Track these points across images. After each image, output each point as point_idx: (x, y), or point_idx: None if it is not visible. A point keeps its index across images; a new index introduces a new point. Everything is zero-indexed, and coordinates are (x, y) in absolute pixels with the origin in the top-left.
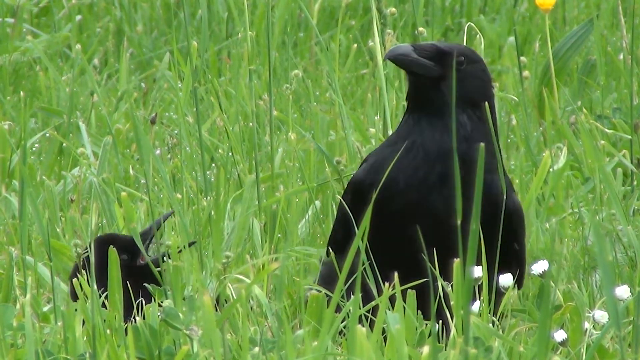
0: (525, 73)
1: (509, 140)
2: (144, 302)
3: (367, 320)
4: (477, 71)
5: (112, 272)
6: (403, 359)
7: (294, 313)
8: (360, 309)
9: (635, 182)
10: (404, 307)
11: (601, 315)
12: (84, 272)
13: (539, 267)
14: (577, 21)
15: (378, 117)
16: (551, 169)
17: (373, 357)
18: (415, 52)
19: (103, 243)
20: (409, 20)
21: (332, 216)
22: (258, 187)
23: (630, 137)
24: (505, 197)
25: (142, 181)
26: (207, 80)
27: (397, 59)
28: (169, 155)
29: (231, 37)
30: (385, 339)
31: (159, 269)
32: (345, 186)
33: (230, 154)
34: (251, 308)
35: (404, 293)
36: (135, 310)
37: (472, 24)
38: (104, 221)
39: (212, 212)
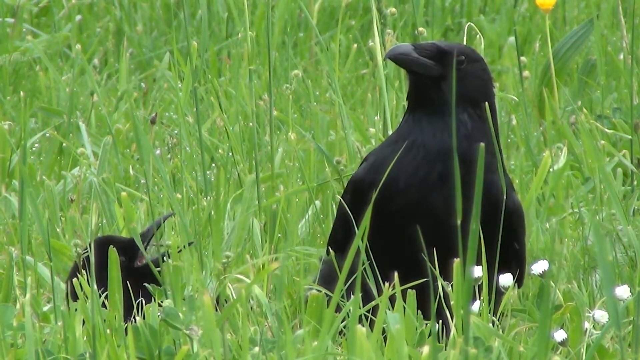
0: (525, 73)
1: (509, 140)
2: (144, 302)
3: (367, 320)
4: (477, 70)
5: (112, 272)
6: (403, 359)
7: (294, 313)
8: (360, 309)
9: (635, 182)
10: (404, 307)
11: (601, 315)
12: (82, 272)
13: (539, 267)
14: (577, 21)
15: (378, 117)
16: (551, 169)
17: (373, 357)
18: (415, 52)
19: (101, 244)
20: (409, 20)
21: (332, 216)
22: (258, 187)
23: (630, 137)
24: (505, 196)
25: (142, 181)
26: (207, 80)
27: (397, 58)
28: (169, 155)
29: (231, 37)
30: (385, 339)
31: (158, 269)
32: (345, 185)
33: (230, 154)
34: (251, 308)
35: (404, 293)
36: (135, 310)
37: (472, 24)
38: (104, 221)
39: (212, 212)
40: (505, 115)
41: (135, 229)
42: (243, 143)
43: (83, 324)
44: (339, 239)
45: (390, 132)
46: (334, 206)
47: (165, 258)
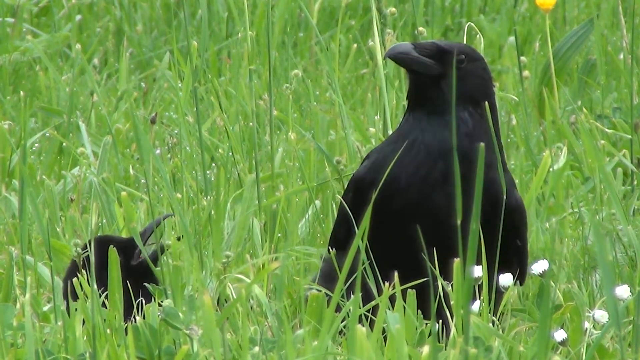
0: (525, 73)
1: (508, 140)
2: (144, 302)
3: (367, 320)
4: (477, 69)
5: (112, 272)
6: (403, 358)
7: (294, 313)
8: (360, 308)
9: (635, 182)
10: (404, 307)
11: (601, 315)
12: (81, 272)
13: (539, 267)
14: (577, 21)
15: (378, 116)
16: (551, 169)
17: (373, 357)
18: (415, 51)
19: (99, 244)
20: (409, 20)
21: (332, 216)
22: (258, 187)
23: (630, 136)
24: (506, 195)
25: (142, 181)
26: (207, 80)
27: (397, 57)
28: (169, 155)
29: (231, 37)
30: (385, 338)
31: (157, 264)
32: (346, 185)
33: (230, 153)
34: (251, 308)
35: (404, 293)
36: (135, 310)
37: (472, 24)
38: (104, 221)
39: (212, 212)
40: (505, 115)
41: (135, 228)
42: (243, 143)
43: (83, 324)
44: (340, 239)
45: (390, 132)
46: (334, 206)
47: (163, 250)
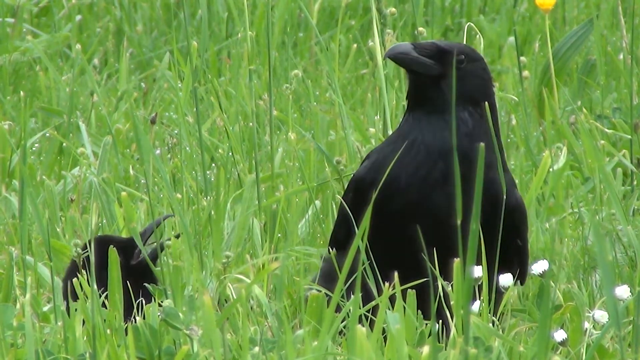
0: (525, 73)
1: (509, 140)
2: (144, 302)
3: (367, 320)
4: (477, 69)
5: (112, 272)
6: (403, 359)
7: (294, 313)
8: (360, 308)
9: (635, 182)
10: (404, 307)
11: (601, 315)
12: (78, 272)
13: (539, 267)
14: (577, 21)
15: (378, 117)
16: (551, 169)
17: (373, 357)
18: (415, 51)
19: (98, 244)
20: (408, 20)
21: (332, 216)
22: (258, 187)
23: (630, 137)
24: (506, 195)
25: (142, 181)
26: (207, 80)
27: (397, 58)
28: (169, 155)
29: (231, 37)
30: (385, 339)
31: (157, 263)
32: (346, 185)
33: (230, 153)
34: (251, 308)
35: (404, 293)
36: (135, 310)
37: (472, 24)
38: (104, 221)
39: (212, 212)
40: (505, 115)
41: (135, 228)
42: (243, 143)
43: (83, 324)
44: (340, 239)
45: (390, 132)
46: (334, 206)
47: (163, 248)
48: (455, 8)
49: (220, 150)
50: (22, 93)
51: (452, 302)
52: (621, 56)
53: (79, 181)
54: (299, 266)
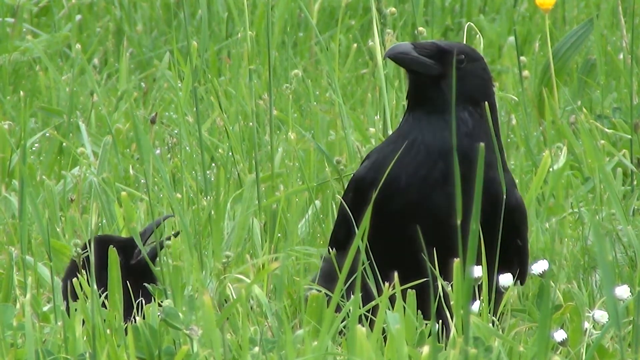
0: (525, 73)
1: (509, 140)
2: (144, 302)
3: (367, 320)
4: (477, 69)
5: (112, 272)
6: (403, 359)
7: (294, 313)
8: (360, 308)
9: (635, 182)
10: (404, 307)
11: (601, 315)
12: (77, 272)
13: (539, 267)
14: (577, 21)
15: (378, 117)
16: (551, 169)
17: (373, 357)
18: (415, 51)
19: (98, 244)
20: (408, 20)
21: (332, 216)
22: (258, 187)
23: (630, 136)
24: (505, 195)
25: (142, 181)
26: (207, 80)
27: (397, 57)
28: (169, 155)
29: (231, 37)
30: (385, 339)
31: (156, 261)
32: (346, 185)
33: (230, 153)
34: (251, 308)
35: (404, 293)
36: (135, 310)
37: (472, 24)
38: (104, 221)
39: (212, 212)
40: (505, 115)
41: (135, 228)
42: (243, 143)
43: (83, 324)
44: (340, 239)
45: (390, 132)
46: (334, 206)
47: (162, 246)
48: (455, 8)
49: (220, 150)
50: (22, 93)
51: (452, 302)
52: (621, 56)
53: (79, 181)
54: (299, 266)
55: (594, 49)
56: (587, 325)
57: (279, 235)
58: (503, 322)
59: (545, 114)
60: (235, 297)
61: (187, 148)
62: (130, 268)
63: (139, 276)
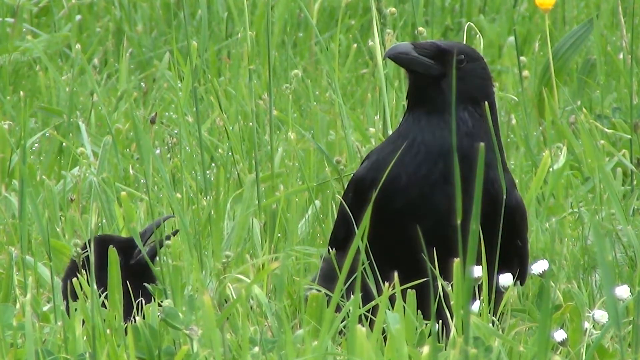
0: (525, 73)
1: (509, 140)
2: (143, 302)
3: (367, 320)
4: (477, 69)
5: (112, 272)
6: (403, 359)
7: (294, 313)
8: (360, 308)
9: (635, 182)
10: (404, 307)
11: (601, 315)
12: (77, 272)
13: (539, 267)
14: (577, 21)
15: (378, 117)
16: (551, 169)
17: (373, 357)
18: (415, 51)
19: (98, 243)
20: (408, 20)
21: (332, 216)
22: (258, 187)
23: (630, 136)
24: (506, 194)
25: (142, 181)
26: (207, 80)
27: (397, 57)
28: (168, 155)
29: (231, 37)
30: (385, 339)
31: (155, 259)
32: (346, 185)
33: (230, 153)
34: (251, 308)
35: (404, 293)
36: (135, 310)
37: (472, 24)
38: (104, 221)
39: (212, 212)
40: (505, 115)
41: (135, 228)
42: (243, 143)
43: (83, 324)
44: (340, 239)
45: (390, 132)
46: (334, 206)
47: (162, 244)
48: (455, 8)
49: (220, 150)
50: (22, 93)
51: (452, 302)
52: (621, 56)
53: (79, 181)
54: (299, 266)
55: (594, 49)
56: (587, 325)
57: (279, 235)
58: (503, 322)
59: (545, 114)
60: (235, 297)
61: (187, 148)
62: (130, 268)
63: (139, 276)
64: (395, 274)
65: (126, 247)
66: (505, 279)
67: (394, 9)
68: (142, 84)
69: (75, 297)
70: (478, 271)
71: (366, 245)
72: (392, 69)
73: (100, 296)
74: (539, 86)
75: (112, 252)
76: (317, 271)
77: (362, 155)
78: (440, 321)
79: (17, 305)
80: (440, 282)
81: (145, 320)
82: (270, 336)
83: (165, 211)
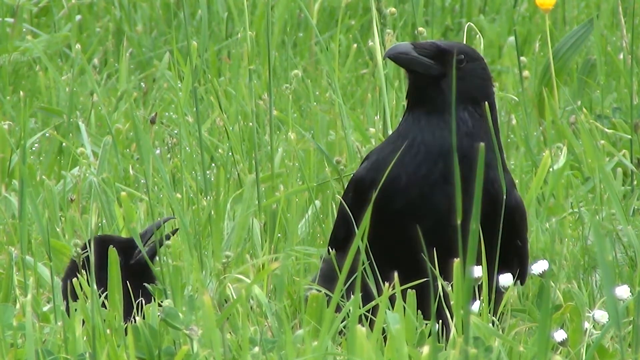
0: (525, 73)
1: (508, 140)
2: (143, 302)
3: (367, 320)
4: (477, 69)
5: (112, 272)
6: (403, 359)
7: (294, 313)
8: (360, 308)
9: (635, 182)
10: (404, 307)
11: (601, 315)
12: (77, 272)
13: (539, 267)
14: (577, 21)
15: (378, 117)
16: (551, 169)
17: (373, 357)
18: (415, 51)
19: (98, 244)
20: (408, 20)
21: (332, 216)
22: (258, 187)
23: (630, 136)
24: (506, 194)
25: (142, 181)
26: (207, 80)
27: (397, 57)
28: (169, 155)
29: (231, 37)
30: (385, 339)
31: (155, 259)
32: (346, 185)
33: (230, 153)
34: (251, 308)
35: (404, 293)
36: (135, 310)
37: (472, 24)
38: (104, 221)
39: (212, 212)
40: (505, 115)
41: (135, 229)
42: (243, 143)
43: (83, 324)
44: (340, 239)
45: (390, 132)
46: (334, 206)
47: (162, 243)
48: (455, 8)
49: (220, 150)
50: (22, 93)
51: (452, 302)
52: (621, 56)
53: (79, 181)
54: (299, 266)
55: (594, 49)
56: (587, 325)
57: (279, 235)
58: (503, 322)
59: (545, 114)
60: (235, 297)
61: (187, 148)
62: (130, 268)
63: (139, 276)
64: (395, 274)
65: (126, 247)
66: (505, 279)
67: (394, 9)
68: (142, 84)
69: (75, 297)
70: (478, 271)
71: (366, 246)
72: (392, 69)
73: (100, 296)
74: (539, 86)
75: (112, 252)
76: (317, 271)
77: (362, 155)
78: (440, 321)
79: (17, 305)
80: (440, 282)
81: (145, 320)
82: (270, 336)
83: (165, 211)
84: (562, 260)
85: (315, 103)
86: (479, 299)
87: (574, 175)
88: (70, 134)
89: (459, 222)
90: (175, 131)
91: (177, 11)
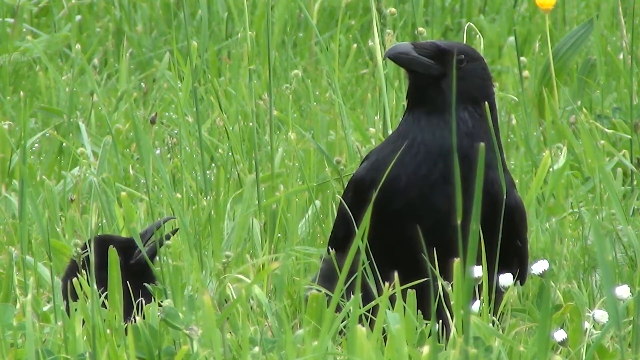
0: (525, 73)
1: (508, 140)
2: (144, 302)
3: (367, 320)
4: (477, 69)
5: (112, 272)
6: (403, 359)
7: (294, 313)
8: (360, 308)
9: (635, 182)
10: (404, 307)
11: (601, 315)
12: (77, 272)
13: (539, 267)
14: (577, 21)
15: (378, 117)
16: (551, 169)
17: (373, 357)
18: (415, 51)
19: (98, 243)
20: (408, 20)
21: (332, 216)
22: (258, 187)
23: (630, 136)
24: (506, 195)
25: (142, 181)
26: (207, 80)
27: (397, 57)
28: (169, 155)
29: (231, 37)
30: (385, 339)
31: (155, 258)
32: (346, 185)
33: (230, 153)
34: (251, 308)
35: (404, 293)
36: (135, 310)
37: (472, 24)
38: (104, 221)
39: (212, 212)
40: (505, 115)
41: (135, 229)
42: (243, 143)
43: (83, 324)
44: (340, 239)
45: (390, 132)
46: (334, 206)
47: (162, 243)
48: (455, 8)
49: (220, 150)
50: (22, 93)
51: (452, 302)
52: (621, 56)
53: (79, 181)
54: (299, 266)
55: (594, 49)
56: (587, 325)
57: (279, 235)
58: (503, 322)
59: (545, 114)
60: (235, 297)
61: (187, 148)
62: (130, 268)
63: (139, 276)
64: (395, 274)
65: (126, 247)
66: (505, 279)
67: (394, 9)
68: (142, 84)
69: (75, 297)
70: (478, 271)
71: (366, 245)
72: (392, 69)
73: (100, 296)
74: (539, 86)
75: (112, 252)
76: (317, 271)
77: (362, 155)
78: (440, 321)
79: (18, 305)
80: (440, 282)
81: (145, 320)
82: (270, 336)
83: (166, 211)
84: (562, 260)
85: (315, 103)
86: (479, 299)
87: (574, 175)
88: (71, 134)
89: (459, 222)
90: (175, 131)
91: (177, 11)
